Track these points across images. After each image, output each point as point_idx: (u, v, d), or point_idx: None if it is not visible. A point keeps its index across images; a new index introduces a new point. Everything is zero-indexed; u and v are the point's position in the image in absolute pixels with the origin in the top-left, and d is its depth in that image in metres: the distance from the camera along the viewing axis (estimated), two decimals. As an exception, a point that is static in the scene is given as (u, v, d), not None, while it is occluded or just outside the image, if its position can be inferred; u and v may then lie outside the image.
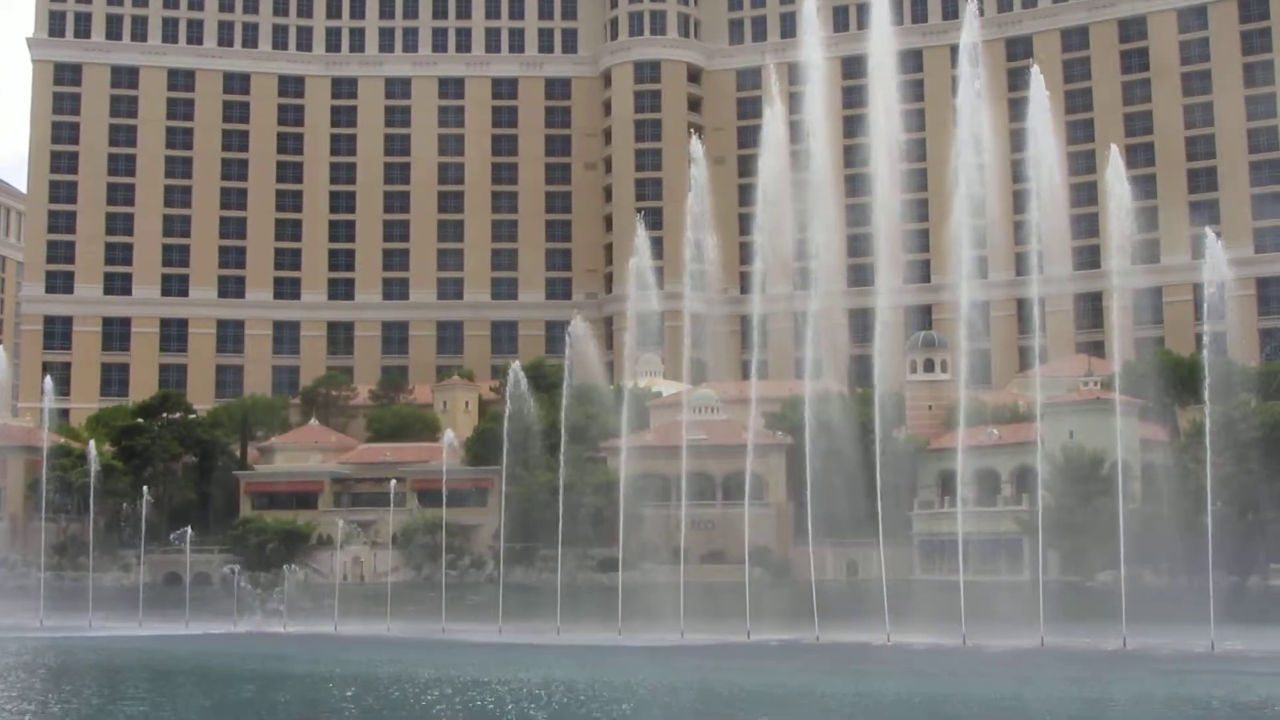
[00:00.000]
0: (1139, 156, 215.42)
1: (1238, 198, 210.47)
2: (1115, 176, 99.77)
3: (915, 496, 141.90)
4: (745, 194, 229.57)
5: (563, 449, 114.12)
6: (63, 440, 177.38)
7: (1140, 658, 78.64)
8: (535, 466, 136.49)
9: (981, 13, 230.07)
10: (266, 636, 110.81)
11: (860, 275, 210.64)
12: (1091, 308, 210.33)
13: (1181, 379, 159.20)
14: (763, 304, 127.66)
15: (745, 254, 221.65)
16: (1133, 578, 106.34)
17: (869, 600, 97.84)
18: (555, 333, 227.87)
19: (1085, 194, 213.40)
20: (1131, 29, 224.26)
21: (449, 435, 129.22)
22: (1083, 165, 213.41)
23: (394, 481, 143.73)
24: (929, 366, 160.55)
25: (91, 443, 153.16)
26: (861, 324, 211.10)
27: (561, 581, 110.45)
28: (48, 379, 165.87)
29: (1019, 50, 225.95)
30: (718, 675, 74.50)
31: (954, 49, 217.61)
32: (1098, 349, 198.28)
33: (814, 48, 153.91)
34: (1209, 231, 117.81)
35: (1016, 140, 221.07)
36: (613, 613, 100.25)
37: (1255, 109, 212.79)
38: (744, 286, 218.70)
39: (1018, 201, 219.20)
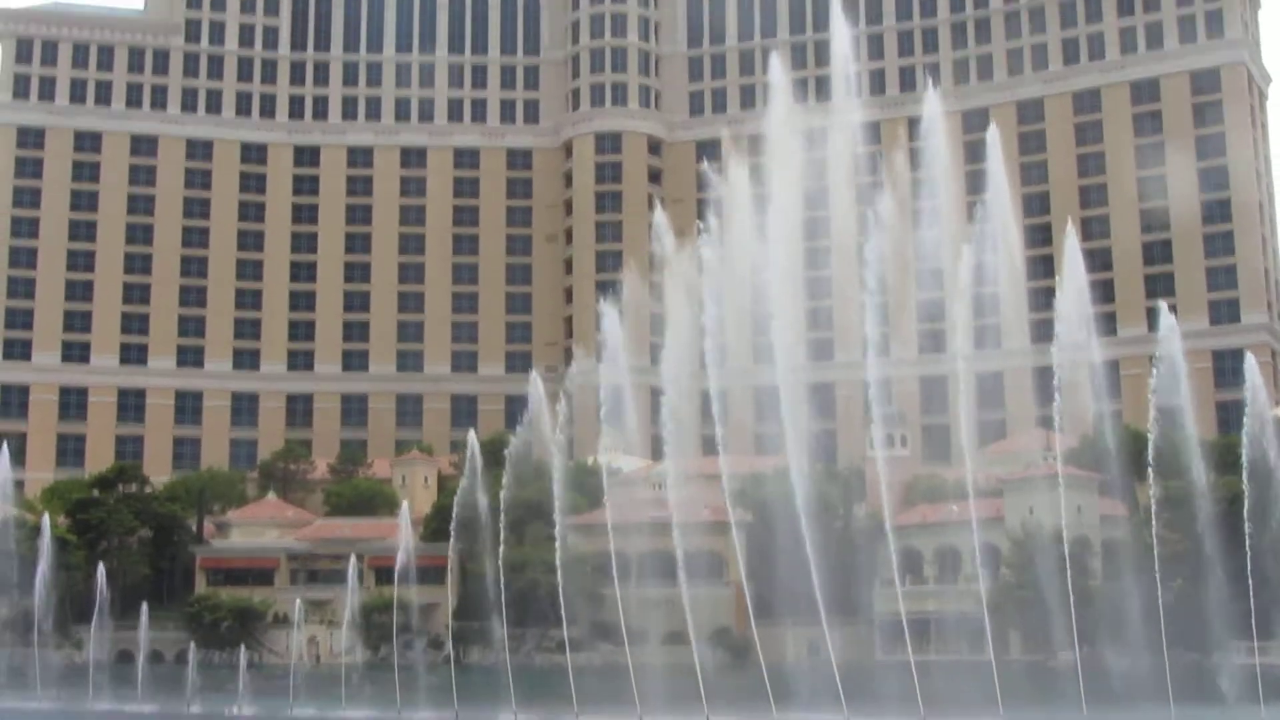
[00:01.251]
0: (1094, 229, 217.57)
1: (1192, 271, 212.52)
2: (1071, 262, 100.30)
3: (876, 575, 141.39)
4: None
5: (500, 528, 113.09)
6: (16, 512, 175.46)
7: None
8: (493, 544, 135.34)
9: (938, 85, 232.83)
10: (220, 718, 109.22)
11: (820, 349, 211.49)
12: (1050, 381, 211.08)
13: (1140, 453, 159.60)
14: (721, 379, 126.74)
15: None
16: (1094, 656, 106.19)
17: (830, 682, 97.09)
18: (515, 406, 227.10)
19: (1043, 267, 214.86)
20: (1086, 102, 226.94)
21: (404, 513, 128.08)
22: (1040, 238, 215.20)
23: (353, 559, 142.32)
24: (889, 442, 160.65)
25: (45, 516, 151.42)
26: (822, 399, 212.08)
27: (519, 663, 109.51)
28: (3, 450, 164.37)
29: (975, 123, 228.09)
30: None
31: (912, 121, 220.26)
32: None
33: (779, 123, 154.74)
34: (1163, 305, 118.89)
35: (974, 213, 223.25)
36: (569, 695, 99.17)
37: (1207, 182, 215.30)
38: (702, 360, 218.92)
39: (978, 274, 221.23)
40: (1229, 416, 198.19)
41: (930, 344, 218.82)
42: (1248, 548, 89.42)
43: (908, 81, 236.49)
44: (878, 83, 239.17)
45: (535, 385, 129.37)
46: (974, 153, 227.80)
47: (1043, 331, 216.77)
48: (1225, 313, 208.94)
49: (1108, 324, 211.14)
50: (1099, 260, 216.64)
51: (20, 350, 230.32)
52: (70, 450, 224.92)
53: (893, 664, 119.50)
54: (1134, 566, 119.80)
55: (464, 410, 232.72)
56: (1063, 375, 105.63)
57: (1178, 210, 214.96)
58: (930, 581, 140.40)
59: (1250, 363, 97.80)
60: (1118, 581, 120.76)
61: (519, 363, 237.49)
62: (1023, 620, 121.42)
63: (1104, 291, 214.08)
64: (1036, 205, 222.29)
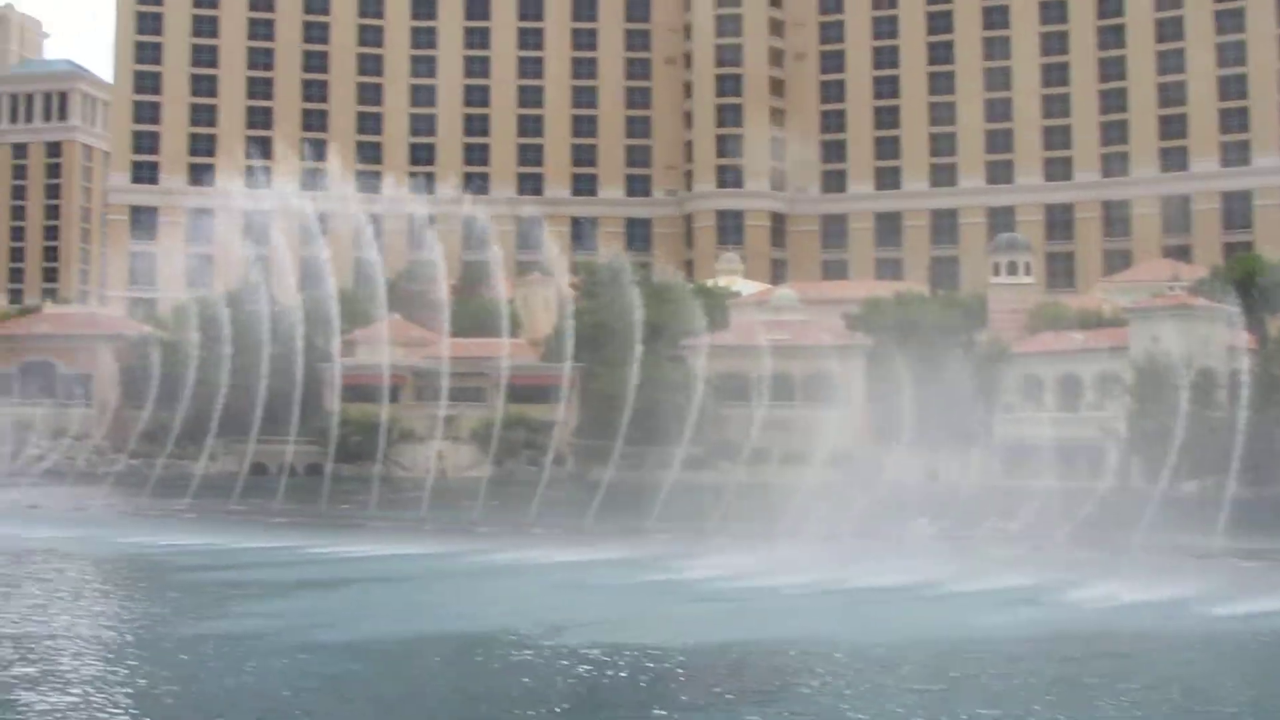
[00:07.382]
0: (1229, 55, 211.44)
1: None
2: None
3: (997, 401, 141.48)
4: (827, 91, 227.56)
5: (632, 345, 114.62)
6: (151, 329, 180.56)
7: (1220, 559, 79.26)
8: (615, 364, 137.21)
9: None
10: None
11: (943, 176, 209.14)
12: (1178, 211, 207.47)
13: (1274, 284, 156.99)
14: (844, 203, 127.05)
15: (827, 152, 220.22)
16: (1216, 487, 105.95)
17: (946, 504, 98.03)
18: (635, 230, 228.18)
19: (1175, 93, 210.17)
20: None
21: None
22: (1172, 64, 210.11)
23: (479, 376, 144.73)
24: (1012, 269, 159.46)
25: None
26: (945, 225, 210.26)
27: (642, 480, 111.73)
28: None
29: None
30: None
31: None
32: (1184, 253, 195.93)
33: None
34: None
35: (1103, 39, 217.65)
36: (696, 511, 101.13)
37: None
38: (825, 185, 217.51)
39: (1104, 102, 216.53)
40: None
41: (1058, 171, 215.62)
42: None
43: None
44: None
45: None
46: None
47: (1173, 160, 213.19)
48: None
49: (1242, 153, 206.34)
50: (1234, 88, 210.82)
51: (149, 174, 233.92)
52: (199, 269, 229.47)
53: (1010, 488, 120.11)
54: (1259, 398, 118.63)
55: (584, 233, 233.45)
56: (1199, 206, 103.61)
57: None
58: (1051, 409, 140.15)
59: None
60: (1243, 413, 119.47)
61: (639, 186, 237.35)
62: (1145, 449, 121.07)
63: (1239, 119, 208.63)
64: (1169, 30, 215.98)
